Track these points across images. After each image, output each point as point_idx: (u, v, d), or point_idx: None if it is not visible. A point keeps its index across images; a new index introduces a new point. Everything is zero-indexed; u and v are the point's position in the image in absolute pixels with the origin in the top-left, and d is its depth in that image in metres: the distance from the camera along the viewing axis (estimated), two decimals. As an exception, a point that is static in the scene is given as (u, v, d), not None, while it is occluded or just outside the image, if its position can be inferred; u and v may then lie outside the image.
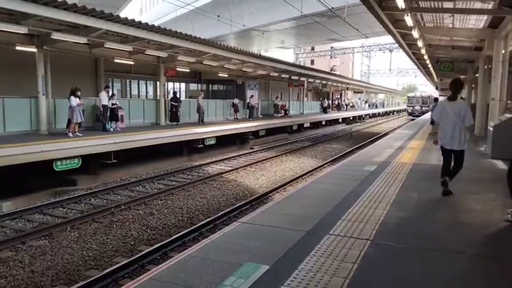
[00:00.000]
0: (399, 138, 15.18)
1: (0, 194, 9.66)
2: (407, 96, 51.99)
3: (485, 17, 13.24)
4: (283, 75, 27.50)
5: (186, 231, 7.74)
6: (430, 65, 25.52)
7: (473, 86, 25.94)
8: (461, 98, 23.77)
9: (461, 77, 29.50)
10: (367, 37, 36.60)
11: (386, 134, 24.90)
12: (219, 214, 8.86)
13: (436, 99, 19.03)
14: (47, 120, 13.06)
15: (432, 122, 16.86)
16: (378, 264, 3.70)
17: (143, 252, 6.62)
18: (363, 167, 8.81)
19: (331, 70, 58.18)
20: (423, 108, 44.79)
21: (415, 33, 13.65)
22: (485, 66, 17.01)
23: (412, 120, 37.57)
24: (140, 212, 9.35)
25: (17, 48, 12.33)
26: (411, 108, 46.44)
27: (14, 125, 12.35)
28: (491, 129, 10.69)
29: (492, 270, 3.72)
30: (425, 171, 8.53)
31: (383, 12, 11.71)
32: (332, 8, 21.88)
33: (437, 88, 49.25)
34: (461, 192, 6.74)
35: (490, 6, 11.40)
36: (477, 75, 19.29)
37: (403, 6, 10.27)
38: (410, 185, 7.06)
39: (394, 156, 10.60)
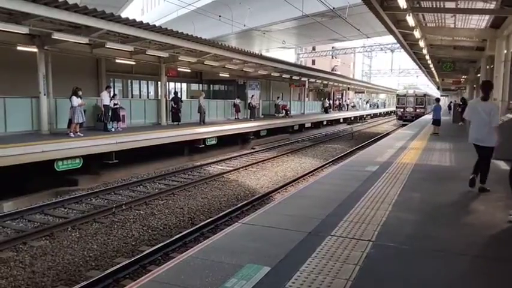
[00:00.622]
0: (401, 139, 15.15)
1: (2, 194, 9.67)
2: (396, 95, 39.15)
3: (487, 16, 13.20)
4: (284, 75, 27.47)
5: (187, 231, 7.73)
6: (431, 65, 25.46)
7: (474, 86, 25.88)
8: (463, 98, 23.77)
9: (463, 77, 29.49)
10: (368, 37, 36.54)
11: (387, 134, 24.86)
12: (220, 214, 8.84)
13: (438, 100, 18.92)
14: (48, 120, 13.06)
15: (434, 122, 16.93)
16: (379, 266, 3.68)
17: (144, 253, 6.61)
18: (364, 167, 8.78)
19: (332, 70, 58.13)
20: (417, 110, 35.42)
21: (417, 34, 13.61)
22: (487, 67, 16.96)
23: (403, 125, 29.83)
24: (141, 212, 9.35)
25: (18, 48, 12.33)
26: (401, 110, 36.36)
27: (15, 125, 12.35)
28: (493, 129, 10.64)
29: (494, 272, 3.70)
30: (427, 171, 8.50)
31: (385, 13, 11.69)
32: (333, 8, 21.82)
33: (438, 88, 49.07)
34: (463, 192, 6.72)
35: (492, 6, 11.36)
36: (479, 75, 19.23)
37: (405, 6, 10.22)
38: (412, 186, 7.03)
39: (396, 156, 10.57)
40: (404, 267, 3.70)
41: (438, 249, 4.12)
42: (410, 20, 11.68)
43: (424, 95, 36.72)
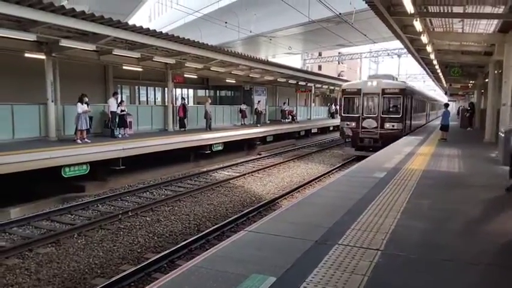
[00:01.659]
0: (408, 144, 14.99)
1: (9, 200, 9.69)
2: (342, 92, 19.41)
3: (495, 21, 13.09)
4: (290, 81, 27.46)
5: (193, 238, 7.68)
6: (439, 70, 25.29)
7: (482, 91, 25.65)
8: (471, 103, 23.50)
9: (471, 82, 29.26)
10: (375, 42, 36.41)
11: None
12: (226, 221, 8.79)
13: (446, 105, 18.69)
14: (56, 126, 13.11)
15: (442, 128, 16.74)
16: (388, 276, 3.59)
17: (149, 260, 6.57)
18: (372, 174, 8.68)
19: (338, 75, 58.04)
20: (388, 124, 17.38)
21: (424, 39, 13.51)
22: (496, 71, 16.80)
23: (359, 159, 14.56)
24: (147, 218, 9.32)
25: (26, 55, 12.43)
26: (353, 124, 18.05)
27: (23, 131, 12.41)
28: (503, 135, 10.50)
29: (507, 281, 3.59)
30: (435, 178, 8.37)
31: (391, 18, 11.63)
32: (340, 13, 21.78)
33: (446, 93, 48.67)
34: (473, 199, 6.60)
35: (500, 10, 11.26)
36: (487, 80, 19.04)
37: (412, 11, 10.15)
38: (421, 193, 6.91)
39: (404, 162, 10.44)
40: (413, 277, 3.61)
41: (449, 258, 4.02)
42: (417, 25, 11.60)
43: (403, 91, 17.58)
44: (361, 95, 17.70)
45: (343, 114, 18.48)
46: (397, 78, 20.30)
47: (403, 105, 17.41)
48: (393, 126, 17.18)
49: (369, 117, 17.53)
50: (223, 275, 3.53)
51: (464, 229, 5.09)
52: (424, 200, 6.42)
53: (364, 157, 12.89)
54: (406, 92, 17.76)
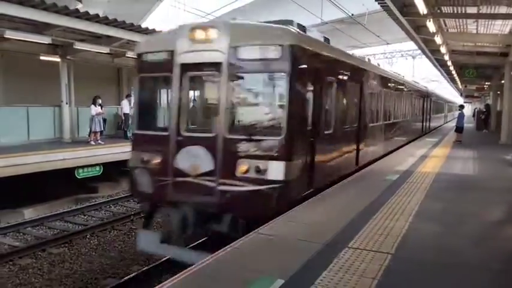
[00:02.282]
0: (422, 146, 14.79)
1: (23, 201, 9.84)
2: (137, 61, 6.87)
3: (510, 21, 12.85)
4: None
5: (204, 239, 7.68)
6: (453, 72, 24.93)
7: (498, 92, 25.20)
8: (487, 104, 23.14)
9: (487, 83, 28.77)
10: (388, 43, 36.07)
11: (408, 142, 24.27)
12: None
13: (461, 107, 18.45)
14: (70, 128, 13.27)
15: (457, 130, 16.50)
16: (399, 280, 3.54)
17: (161, 261, 6.61)
18: (384, 176, 8.56)
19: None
20: (242, 166, 5.41)
21: (438, 39, 13.34)
22: (512, 72, 16.49)
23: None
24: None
25: (41, 58, 12.61)
26: (153, 162, 6.30)
27: (38, 133, 12.60)
28: (519, 137, 10.30)
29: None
30: (449, 181, 8.24)
31: (404, 18, 11.52)
32: (352, 14, 21.67)
33: (461, 95, 47.97)
34: (486, 203, 6.48)
35: (516, 10, 11.06)
36: (503, 81, 18.69)
37: (425, 12, 10.04)
38: (434, 196, 6.80)
39: (417, 165, 10.29)
40: (425, 281, 3.54)
41: (461, 263, 3.95)
42: (431, 26, 11.47)
43: (296, 51, 5.41)
44: (176, 69, 6.35)
45: (137, 131, 7.37)
46: (305, 30, 7.08)
47: (300, 97, 5.99)
48: (259, 168, 5.50)
49: (194, 140, 6.13)
50: (231, 277, 3.52)
51: (477, 233, 4.99)
52: (436, 203, 6.31)
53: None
54: (304, 55, 5.99)
